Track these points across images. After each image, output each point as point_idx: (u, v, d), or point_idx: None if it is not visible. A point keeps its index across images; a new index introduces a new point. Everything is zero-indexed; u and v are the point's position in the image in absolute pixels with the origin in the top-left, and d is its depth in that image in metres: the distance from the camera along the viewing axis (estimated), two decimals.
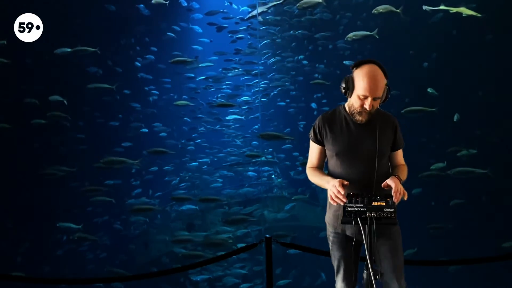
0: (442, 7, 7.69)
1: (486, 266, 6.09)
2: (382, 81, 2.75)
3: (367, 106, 2.74)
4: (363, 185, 2.77)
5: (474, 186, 8.50)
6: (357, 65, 2.79)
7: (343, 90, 2.82)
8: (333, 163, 2.91)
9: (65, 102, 8.38)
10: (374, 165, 2.78)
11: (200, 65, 10.56)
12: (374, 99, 2.73)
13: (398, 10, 7.80)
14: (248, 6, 10.90)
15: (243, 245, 8.02)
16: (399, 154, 3.01)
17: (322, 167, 3.04)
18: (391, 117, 2.96)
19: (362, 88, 2.72)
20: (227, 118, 11.10)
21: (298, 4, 8.28)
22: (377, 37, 8.00)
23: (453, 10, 7.58)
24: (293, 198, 9.60)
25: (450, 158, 8.10)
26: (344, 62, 9.24)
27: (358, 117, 2.81)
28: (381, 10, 7.82)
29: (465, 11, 7.50)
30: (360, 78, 2.73)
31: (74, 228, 8.07)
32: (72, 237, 8.18)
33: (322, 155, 3.00)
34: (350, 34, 8.13)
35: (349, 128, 2.86)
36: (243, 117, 10.96)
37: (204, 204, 9.80)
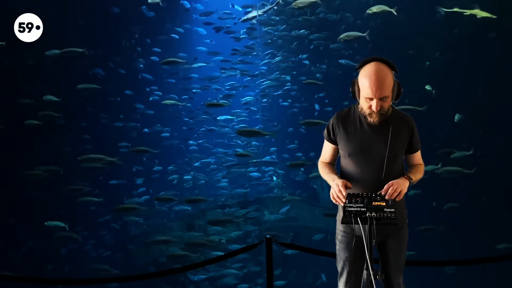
0: (456, 9, 7.65)
1: (481, 267, 6.09)
2: (388, 79, 2.62)
3: (374, 107, 2.64)
4: (373, 187, 2.70)
5: (468, 187, 8.49)
6: (361, 66, 2.68)
7: (351, 94, 2.75)
8: (345, 162, 2.87)
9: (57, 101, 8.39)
10: (384, 168, 2.72)
11: (193, 65, 10.59)
12: (381, 99, 2.62)
13: (392, 10, 7.79)
14: (243, 6, 10.91)
15: (237, 246, 8.10)
16: (416, 156, 2.95)
17: (334, 163, 3.01)
18: (407, 118, 2.86)
19: (366, 90, 2.62)
20: (218, 118, 11.06)
21: (294, 4, 8.30)
22: (368, 38, 8.02)
23: (467, 12, 7.54)
24: (284, 200, 9.57)
25: (445, 159, 8.13)
26: (339, 61, 9.23)
27: (369, 119, 2.72)
28: (375, 10, 7.82)
29: (479, 13, 7.46)
30: (363, 79, 2.63)
31: (63, 226, 8.08)
32: (56, 235, 8.16)
33: (335, 153, 2.97)
34: (342, 35, 8.18)
35: (363, 129, 2.78)
36: (234, 117, 10.91)
37: (205, 205, 9.84)
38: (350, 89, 2.74)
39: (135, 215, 9.47)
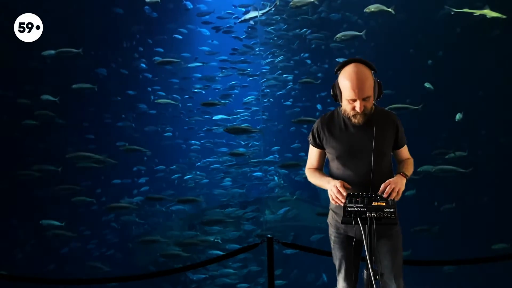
0: (465, 9, 7.62)
1: (476, 268, 6.06)
2: (368, 79, 2.64)
3: (357, 108, 2.65)
4: (364, 187, 2.73)
5: (464, 188, 8.47)
6: (339, 68, 2.70)
7: (333, 98, 2.78)
8: (334, 166, 2.88)
9: (57, 101, 8.40)
10: (373, 166, 2.74)
11: (188, 65, 10.61)
12: (363, 99, 2.64)
13: (390, 9, 7.77)
14: (239, 6, 10.90)
15: (235, 246, 8.09)
16: (404, 150, 2.96)
17: (322, 169, 3.01)
18: (391, 115, 2.87)
19: (348, 92, 2.63)
20: (214, 118, 11.06)
21: (291, 3, 8.30)
22: (364, 37, 8.00)
23: (477, 12, 7.50)
24: (279, 200, 9.55)
25: (442, 158, 8.11)
26: (337, 59, 9.21)
27: (354, 120, 2.73)
28: (373, 9, 7.80)
29: (489, 13, 7.41)
30: (344, 81, 2.64)
31: (59, 225, 8.08)
32: (49, 233, 8.17)
33: (322, 158, 2.98)
34: (339, 35, 8.18)
35: (348, 131, 2.80)
36: (230, 117, 10.90)
37: (206, 204, 9.85)
38: (331, 92, 2.77)
39: (131, 214, 9.47)
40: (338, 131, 2.83)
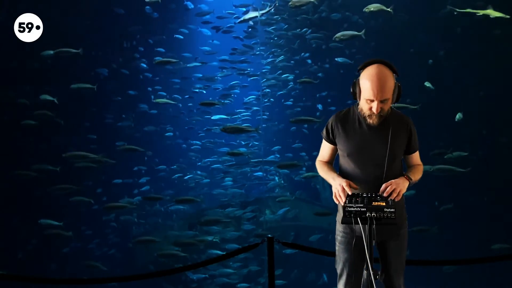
0: (468, 10, 7.62)
1: (476, 268, 6.04)
2: (389, 81, 2.65)
3: (374, 109, 2.66)
4: (372, 187, 2.73)
5: (464, 187, 8.46)
6: (363, 67, 2.71)
7: (352, 95, 2.78)
8: (344, 162, 2.90)
9: (55, 101, 8.40)
10: (384, 168, 2.74)
11: (187, 65, 10.61)
12: (381, 101, 2.65)
13: (389, 9, 7.76)
14: (238, 6, 10.90)
15: (235, 246, 8.07)
16: (415, 156, 2.97)
17: (332, 163, 3.04)
18: (405, 119, 2.88)
19: (367, 92, 2.64)
20: (212, 118, 11.03)
21: (290, 3, 8.31)
22: (363, 37, 7.99)
23: (480, 12, 7.50)
24: (278, 200, 9.54)
25: (442, 158, 8.10)
26: (336, 59, 9.19)
27: (369, 120, 2.74)
28: (372, 9, 7.79)
29: (492, 13, 7.41)
30: (365, 81, 2.65)
31: (56, 224, 8.05)
32: (47, 232, 8.15)
33: (334, 153, 3.01)
34: (338, 34, 8.16)
35: (362, 129, 2.81)
36: (229, 117, 10.88)
37: (206, 204, 9.83)
38: (351, 89, 2.77)
39: (130, 214, 9.44)
40: (351, 129, 2.84)
